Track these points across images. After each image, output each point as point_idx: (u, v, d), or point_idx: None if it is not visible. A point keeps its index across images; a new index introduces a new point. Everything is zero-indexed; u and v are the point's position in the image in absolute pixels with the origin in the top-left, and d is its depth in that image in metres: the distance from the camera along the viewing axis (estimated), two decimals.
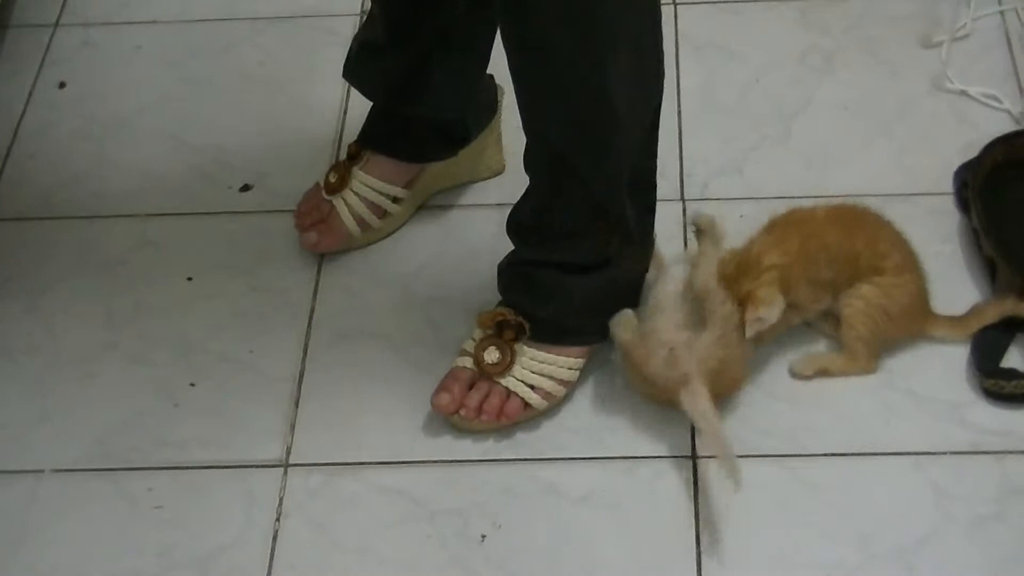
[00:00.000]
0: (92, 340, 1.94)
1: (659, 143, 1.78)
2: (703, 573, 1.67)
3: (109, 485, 1.80)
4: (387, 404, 1.84)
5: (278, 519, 1.75)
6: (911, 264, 1.83)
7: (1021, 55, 2.18)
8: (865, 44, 2.25)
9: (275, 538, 1.73)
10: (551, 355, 1.80)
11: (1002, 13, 2.26)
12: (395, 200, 2.00)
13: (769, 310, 1.71)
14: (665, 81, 1.73)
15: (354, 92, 2.07)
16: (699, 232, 1.80)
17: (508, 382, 1.79)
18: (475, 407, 1.78)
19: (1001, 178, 1.96)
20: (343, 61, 2.00)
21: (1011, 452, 1.75)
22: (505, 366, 1.79)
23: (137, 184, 2.13)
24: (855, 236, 1.80)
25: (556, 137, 1.69)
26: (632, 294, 1.85)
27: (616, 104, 1.64)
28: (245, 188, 2.11)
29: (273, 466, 1.79)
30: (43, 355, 1.94)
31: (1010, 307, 1.81)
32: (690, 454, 1.77)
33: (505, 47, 1.66)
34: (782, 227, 1.81)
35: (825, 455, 1.76)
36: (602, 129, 1.66)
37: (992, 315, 1.82)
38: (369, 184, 1.99)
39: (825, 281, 1.78)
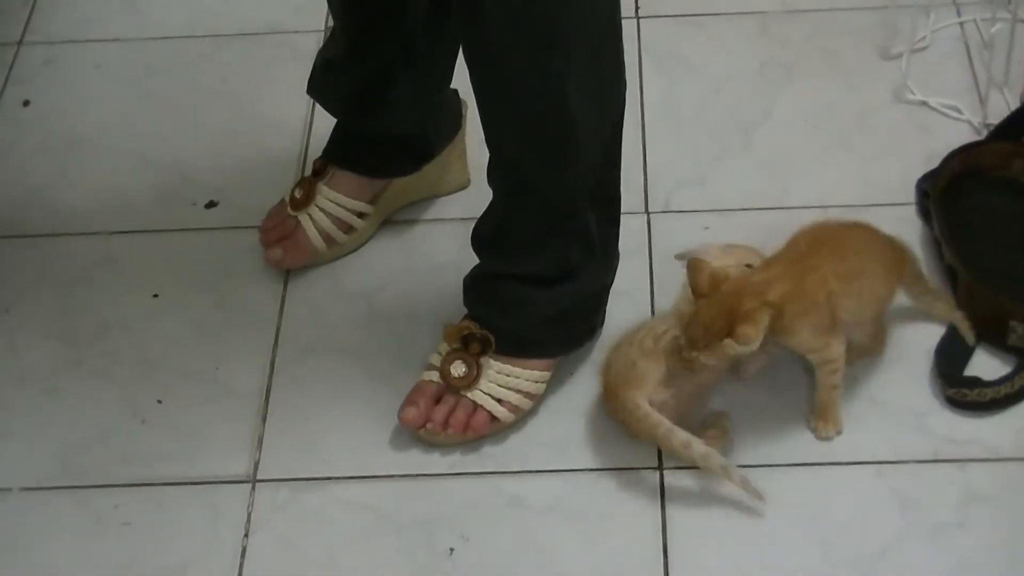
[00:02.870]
0: (57, 357, 1.94)
1: (622, 155, 1.78)
2: None
3: (76, 503, 1.79)
4: (354, 418, 1.84)
5: (246, 535, 1.75)
6: (886, 266, 1.81)
7: (980, 66, 2.20)
8: (825, 55, 2.26)
9: (243, 554, 1.73)
10: (517, 368, 1.81)
11: (961, 24, 2.28)
12: (360, 215, 2.01)
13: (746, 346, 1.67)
14: (628, 93, 1.74)
15: (319, 108, 2.08)
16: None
17: (474, 395, 1.79)
18: (442, 421, 1.79)
19: (961, 188, 1.97)
20: (307, 77, 2.00)
21: (973, 460, 1.76)
22: (471, 380, 1.79)
23: (101, 201, 2.13)
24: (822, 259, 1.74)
25: (517, 150, 1.70)
26: (597, 306, 1.86)
27: (577, 116, 1.65)
28: (210, 205, 2.11)
29: (240, 482, 1.79)
30: (7, 373, 1.93)
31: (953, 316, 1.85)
32: (656, 465, 1.77)
33: (466, 61, 1.67)
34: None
35: (788, 465, 1.77)
36: (564, 141, 1.67)
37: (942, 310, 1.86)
38: (334, 200, 1.99)
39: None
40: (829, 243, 1.74)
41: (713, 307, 1.66)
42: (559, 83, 1.62)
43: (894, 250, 1.81)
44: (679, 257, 1.90)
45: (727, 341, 1.63)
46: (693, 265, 1.69)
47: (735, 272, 1.71)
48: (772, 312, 1.65)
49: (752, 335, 1.63)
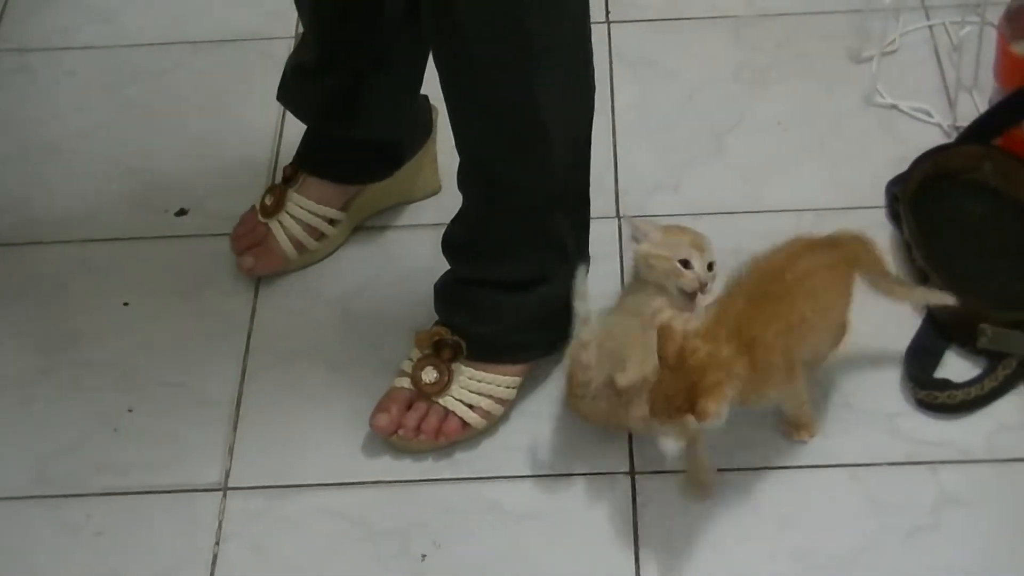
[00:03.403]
0: (29, 366, 1.93)
1: (594, 160, 1.78)
2: None
3: (49, 512, 1.79)
4: (326, 425, 1.84)
5: (217, 543, 1.74)
6: (843, 285, 1.75)
7: (950, 69, 2.21)
8: (797, 60, 2.27)
9: (215, 562, 1.73)
10: (489, 374, 1.81)
11: (930, 28, 2.29)
12: (331, 222, 2.00)
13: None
14: (599, 99, 1.74)
15: (290, 114, 2.07)
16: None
17: (446, 401, 1.79)
18: (413, 427, 1.79)
19: (931, 191, 1.98)
20: (278, 84, 2.00)
21: (945, 462, 1.76)
22: (443, 385, 1.79)
23: (73, 209, 2.13)
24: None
25: (488, 155, 1.70)
26: (567, 311, 1.85)
27: (547, 120, 1.65)
28: (181, 212, 2.11)
29: (212, 490, 1.79)
30: None
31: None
32: (628, 470, 1.77)
33: (437, 66, 1.67)
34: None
35: (762, 468, 1.77)
36: (534, 145, 1.67)
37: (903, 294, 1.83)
38: (305, 206, 1.99)
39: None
40: (773, 297, 1.66)
41: (677, 379, 1.58)
42: (534, 89, 1.62)
43: (846, 257, 1.74)
44: (626, 220, 1.84)
45: (689, 417, 1.56)
46: (664, 333, 1.60)
47: (705, 344, 1.60)
48: (740, 382, 1.59)
49: (712, 410, 1.54)
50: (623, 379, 1.69)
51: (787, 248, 1.72)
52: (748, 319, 1.63)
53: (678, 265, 1.77)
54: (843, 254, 1.74)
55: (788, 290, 1.67)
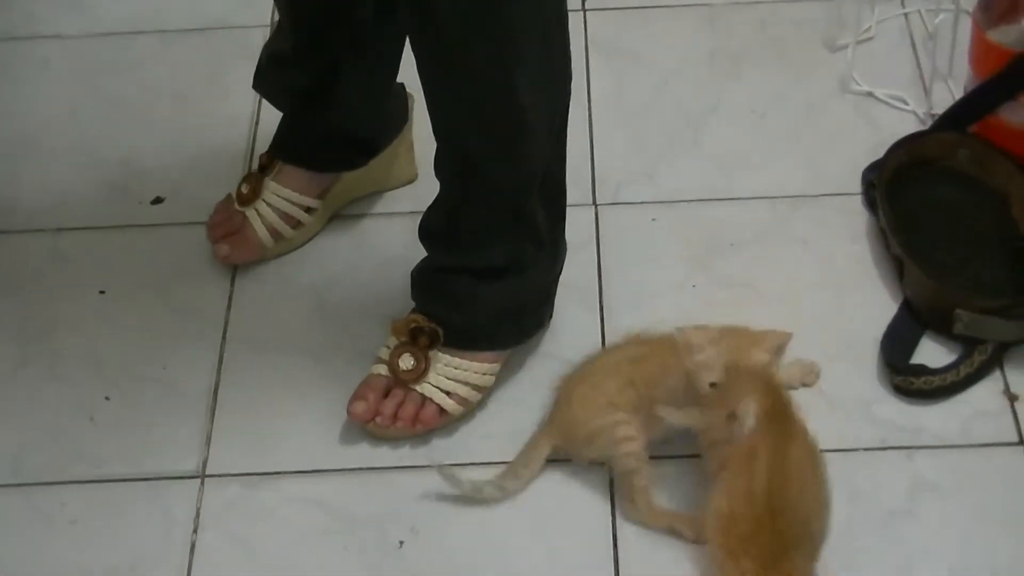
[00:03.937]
0: (4, 356, 1.93)
1: (570, 148, 1.78)
2: (621, 574, 1.68)
3: (23, 501, 1.78)
4: (303, 414, 1.84)
5: (195, 531, 1.74)
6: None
7: (925, 56, 2.21)
8: (772, 47, 2.27)
9: (192, 551, 1.72)
10: (466, 361, 1.81)
11: (905, 15, 2.29)
12: (308, 210, 2.00)
13: None
14: (575, 87, 1.74)
15: (266, 103, 2.07)
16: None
17: (423, 389, 1.79)
18: (390, 414, 1.79)
19: (906, 178, 1.98)
20: (253, 72, 2.00)
21: (920, 448, 1.77)
22: (420, 373, 1.79)
23: (48, 199, 2.12)
24: None
25: (466, 142, 1.70)
26: (546, 299, 1.86)
27: (525, 107, 1.65)
28: (157, 201, 2.10)
29: (189, 478, 1.79)
30: None
31: None
32: None
33: (414, 54, 1.67)
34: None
35: None
36: (512, 132, 1.67)
37: None
38: (281, 194, 1.98)
39: None
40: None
41: None
42: (512, 75, 1.62)
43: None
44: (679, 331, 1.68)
45: None
46: None
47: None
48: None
49: None
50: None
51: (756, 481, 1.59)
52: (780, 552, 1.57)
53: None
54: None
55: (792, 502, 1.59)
